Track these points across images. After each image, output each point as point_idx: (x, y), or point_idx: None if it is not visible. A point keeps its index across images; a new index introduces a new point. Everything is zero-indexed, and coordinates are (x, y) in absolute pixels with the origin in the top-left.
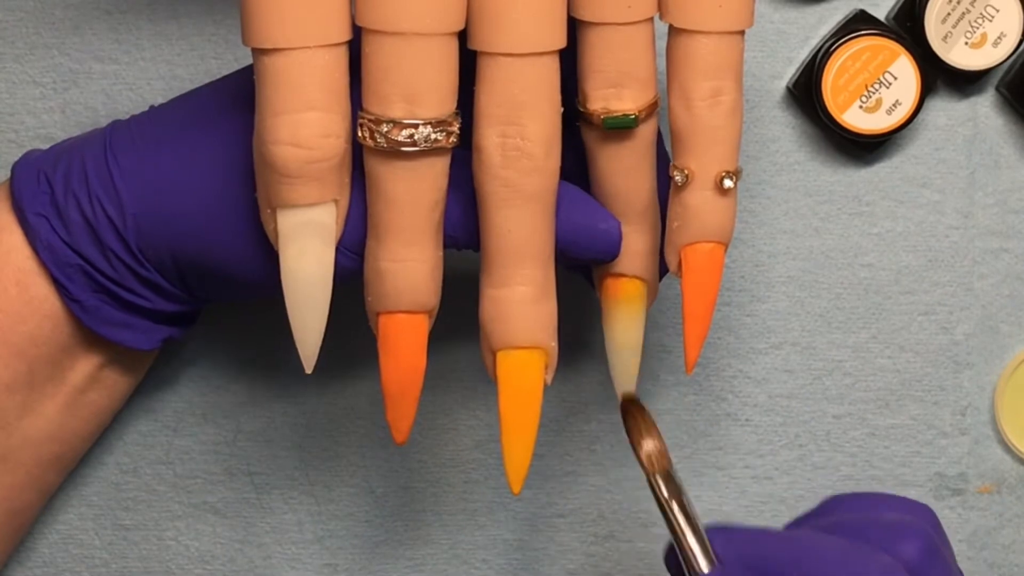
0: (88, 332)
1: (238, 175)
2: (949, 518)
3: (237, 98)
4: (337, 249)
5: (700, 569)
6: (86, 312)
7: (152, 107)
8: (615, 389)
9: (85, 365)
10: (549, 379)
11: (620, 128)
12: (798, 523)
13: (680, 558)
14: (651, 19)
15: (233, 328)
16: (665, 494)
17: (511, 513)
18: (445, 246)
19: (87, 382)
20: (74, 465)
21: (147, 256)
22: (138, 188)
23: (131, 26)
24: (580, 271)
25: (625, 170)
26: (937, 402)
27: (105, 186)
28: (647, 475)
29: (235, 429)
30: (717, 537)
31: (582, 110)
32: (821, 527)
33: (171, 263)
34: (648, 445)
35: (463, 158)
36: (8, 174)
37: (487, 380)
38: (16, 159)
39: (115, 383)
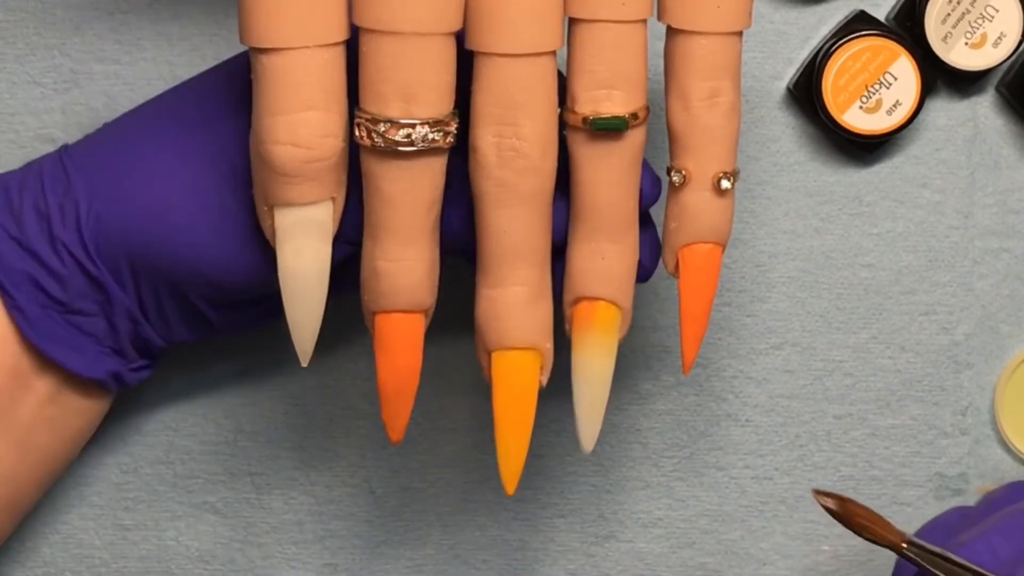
0: (36, 358)
1: (207, 168)
2: None
3: (183, 94)
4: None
5: None
6: (30, 324)
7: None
8: (577, 427)
9: (34, 397)
10: (544, 380)
11: (608, 130)
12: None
13: None
14: (645, 22)
15: None
16: (932, 551)
17: (511, 513)
18: (445, 250)
19: (36, 419)
20: (26, 515)
21: (101, 254)
22: (93, 179)
23: (132, 26)
24: None
25: (609, 181)
26: (937, 402)
27: (59, 178)
28: (901, 552)
29: (235, 429)
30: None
31: (569, 114)
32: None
33: (127, 265)
34: (892, 532)
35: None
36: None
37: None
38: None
39: (65, 424)
